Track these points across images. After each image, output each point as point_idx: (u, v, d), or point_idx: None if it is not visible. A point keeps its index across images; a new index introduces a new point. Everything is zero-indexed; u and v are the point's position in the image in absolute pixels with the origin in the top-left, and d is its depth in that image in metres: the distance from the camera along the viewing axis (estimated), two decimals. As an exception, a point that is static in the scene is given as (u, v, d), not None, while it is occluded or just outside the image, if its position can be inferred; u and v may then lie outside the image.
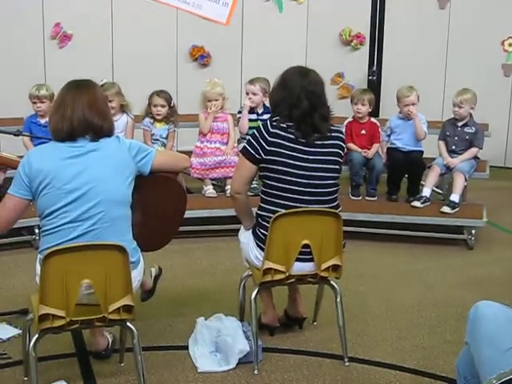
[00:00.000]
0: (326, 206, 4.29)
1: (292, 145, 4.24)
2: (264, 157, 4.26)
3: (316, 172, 4.26)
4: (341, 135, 4.42)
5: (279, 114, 4.32)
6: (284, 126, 4.26)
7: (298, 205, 4.24)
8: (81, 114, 3.81)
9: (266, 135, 4.26)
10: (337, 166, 4.34)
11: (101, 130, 3.87)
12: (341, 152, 4.37)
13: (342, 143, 4.39)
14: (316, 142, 4.27)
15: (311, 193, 4.26)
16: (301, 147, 4.24)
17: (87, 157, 3.80)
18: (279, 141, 4.24)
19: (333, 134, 4.35)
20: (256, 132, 4.33)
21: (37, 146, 4.04)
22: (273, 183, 4.29)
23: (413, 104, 6.81)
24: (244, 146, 4.40)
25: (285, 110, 4.29)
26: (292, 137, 4.24)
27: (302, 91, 4.26)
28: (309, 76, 4.35)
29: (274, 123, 4.29)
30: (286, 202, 4.25)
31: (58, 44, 8.55)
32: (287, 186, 4.25)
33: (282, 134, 4.25)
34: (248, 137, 4.44)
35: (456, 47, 8.99)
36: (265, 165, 4.28)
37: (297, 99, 4.26)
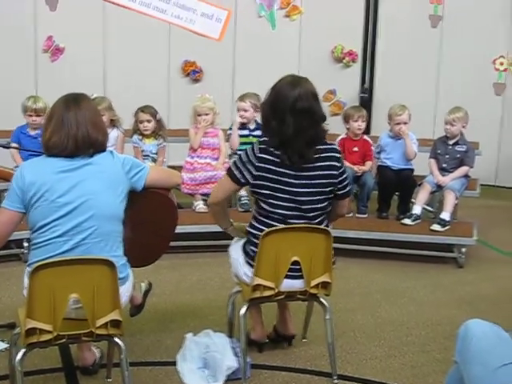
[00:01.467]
0: (316, 227, 4.26)
1: (279, 169, 4.18)
2: (251, 181, 4.23)
3: (302, 196, 4.20)
4: (334, 154, 4.28)
5: (267, 136, 4.25)
6: (271, 150, 4.19)
7: (286, 226, 4.21)
8: (85, 131, 3.79)
9: (254, 161, 4.20)
10: (327, 189, 4.25)
11: (102, 146, 3.87)
12: (334, 173, 4.26)
13: (335, 163, 4.27)
14: (303, 166, 4.20)
15: (298, 216, 4.23)
16: (288, 171, 4.18)
17: (81, 171, 3.78)
18: (267, 166, 4.19)
19: (322, 156, 4.23)
20: (244, 155, 4.25)
21: (30, 160, 4.00)
22: (262, 204, 4.27)
23: (404, 123, 6.82)
24: (230, 168, 4.35)
25: (272, 134, 4.21)
26: (279, 160, 4.18)
27: (290, 114, 4.12)
28: (301, 89, 4.18)
29: (262, 146, 4.22)
30: (275, 223, 4.22)
31: (50, 57, 8.55)
32: (274, 210, 4.23)
33: (270, 158, 4.19)
34: (237, 155, 4.39)
35: (447, 66, 9.03)
36: (253, 188, 4.26)
37: (285, 124, 4.12)
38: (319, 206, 4.28)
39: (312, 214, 4.26)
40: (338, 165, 4.29)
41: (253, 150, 4.24)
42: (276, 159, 4.19)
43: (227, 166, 6.47)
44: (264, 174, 4.20)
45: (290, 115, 4.13)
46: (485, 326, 3.27)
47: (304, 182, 4.21)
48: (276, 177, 4.19)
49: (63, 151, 3.78)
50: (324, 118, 4.29)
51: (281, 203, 4.21)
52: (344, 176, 4.34)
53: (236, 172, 4.28)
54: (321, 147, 4.26)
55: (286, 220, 4.22)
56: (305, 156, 4.18)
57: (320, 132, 4.27)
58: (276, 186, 4.19)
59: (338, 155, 4.32)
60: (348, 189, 4.41)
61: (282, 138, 4.16)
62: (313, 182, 4.22)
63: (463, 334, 3.28)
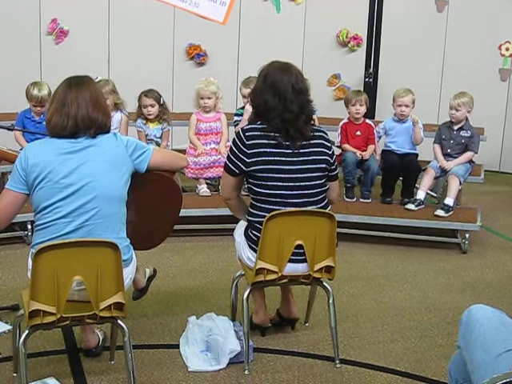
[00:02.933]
0: (315, 206, 4.27)
1: (274, 150, 4.20)
2: (246, 168, 4.24)
3: (301, 173, 4.23)
4: (323, 134, 4.36)
5: (271, 119, 4.22)
6: (260, 133, 4.21)
7: (287, 208, 4.20)
8: (85, 111, 3.80)
9: (245, 149, 4.21)
10: (322, 165, 4.29)
11: (104, 127, 3.88)
12: (326, 151, 4.31)
13: (326, 142, 4.34)
14: (299, 144, 4.23)
15: (298, 195, 4.24)
16: (283, 150, 4.21)
17: (84, 152, 3.79)
18: (259, 150, 4.20)
19: (315, 134, 4.31)
20: (233, 146, 4.27)
21: (34, 141, 4.01)
22: (259, 190, 4.26)
23: (406, 106, 6.81)
24: (225, 163, 4.37)
25: (277, 116, 4.20)
26: (274, 142, 4.20)
27: (292, 93, 4.19)
28: (294, 73, 4.26)
29: (248, 133, 4.23)
30: (274, 207, 4.21)
31: (55, 40, 8.53)
32: (273, 192, 4.22)
33: (261, 141, 4.21)
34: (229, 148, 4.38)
35: (453, 51, 9.00)
36: (250, 173, 4.26)
37: (290, 102, 4.19)
38: (318, 182, 4.29)
39: (312, 191, 4.27)
40: (329, 144, 4.37)
41: (240, 139, 4.25)
42: (270, 141, 4.20)
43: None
44: (259, 159, 4.20)
45: (292, 95, 4.19)
46: (488, 312, 3.27)
47: (301, 159, 4.23)
48: (272, 158, 4.20)
49: (63, 131, 3.79)
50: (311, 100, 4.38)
51: (280, 183, 4.21)
52: (334, 156, 4.41)
53: (230, 165, 4.30)
54: (314, 128, 4.35)
55: (287, 200, 4.22)
56: (304, 133, 4.23)
57: (312, 111, 4.35)
58: (273, 167, 4.20)
59: (327, 136, 4.40)
60: (337, 171, 4.48)
61: (286, 117, 4.18)
62: (309, 158, 4.25)
63: (466, 319, 3.28)
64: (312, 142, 4.28)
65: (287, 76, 4.23)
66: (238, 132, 4.31)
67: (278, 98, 4.20)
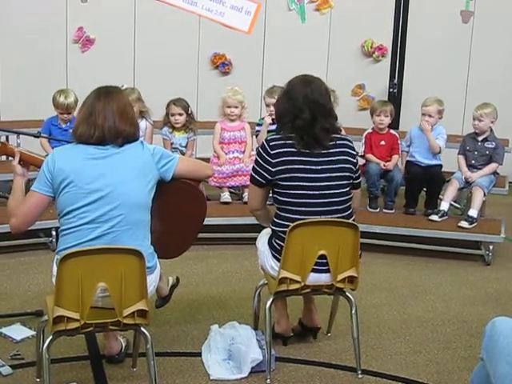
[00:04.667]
0: (340, 215, 4.28)
1: (297, 158, 4.23)
2: (271, 178, 4.27)
3: (325, 182, 4.25)
4: (348, 143, 4.38)
5: (283, 125, 4.32)
6: (283, 142, 4.26)
7: (312, 217, 4.21)
8: (112, 122, 3.84)
9: (269, 158, 4.25)
10: (347, 174, 4.32)
11: (132, 137, 3.92)
12: (351, 159, 4.34)
13: (350, 150, 4.36)
14: (321, 152, 4.26)
15: (324, 203, 4.25)
16: (307, 159, 4.24)
17: (110, 159, 3.82)
18: (284, 158, 4.23)
19: (338, 143, 4.32)
20: (258, 158, 4.33)
21: (62, 146, 4.05)
22: (285, 199, 4.28)
23: (429, 116, 6.79)
24: (251, 174, 4.42)
25: (288, 122, 4.28)
26: (295, 150, 4.24)
27: (304, 101, 4.25)
28: (312, 85, 4.32)
29: (272, 143, 4.28)
30: (300, 216, 4.22)
31: (81, 48, 8.58)
32: (299, 200, 4.24)
33: (285, 150, 4.25)
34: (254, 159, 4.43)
35: (478, 62, 8.97)
36: (275, 182, 4.28)
37: (299, 110, 4.25)
38: (342, 190, 4.30)
39: (336, 200, 4.28)
40: (354, 152, 4.39)
41: (265, 150, 4.29)
42: (291, 149, 4.24)
43: (253, 159, 6.53)
44: (283, 167, 4.23)
45: (305, 105, 4.24)
46: (512, 324, 3.26)
47: (324, 167, 4.25)
48: (296, 166, 4.22)
49: (89, 140, 3.83)
50: (335, 117, 4.42)
51: (304, 192, 4.23)
52: (358, 165, 4.43)
53: (256, 176, 4.34)
54: (336, 136, 4.36)
55: (311, 209, 4.23)
56: (321, 141, 4.25)
57: (334, 124, 4.38)
58: (298, 175, 4.22)
59: (352, 144, 4.42)
60: (360, 179, 4.51)
61: (298, 125, 4.23)
62: (332, 166, 4.26)
63: (490, 331, 3.27)
64: (335, 150, 4.29)
65: (304, 87, 4.31)
66: (263, 143, 4.36)
67: (289, 104, 4.29)
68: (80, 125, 3.88)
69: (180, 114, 6.85)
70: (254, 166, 4.38)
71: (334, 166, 4.27)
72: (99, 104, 3.88)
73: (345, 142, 4.37)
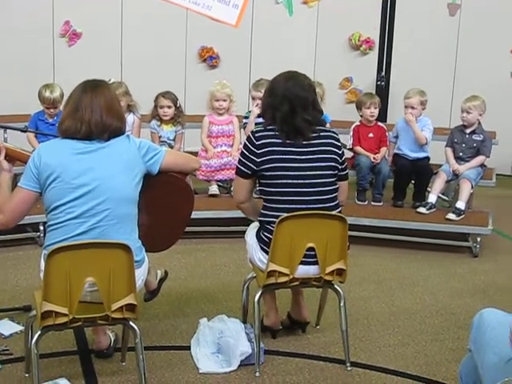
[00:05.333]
0: (326, 205, 4.30)
1: (282, 148, 4.27)
2: (257, 169, 4.29)
3: (309, 171, 4.27)
4: (333, 134, 4.42)
5: (267, 119, 4.39)
6: (268, 133, 4.31)
7: (299, 206, 4.24)
8: (99, 117, 3.82)
9: (255, 149, 4.29)
10: (332, 164, 4.34)
11: (118, 132, 3.90)
12: (336, 150, 4.37)
13: (335, 142, 4.39)
14: (305, 143, 4.30)
15: (310, 193, 4.27)
16: (291, 149, 4.28)
17: (97, 154, 3.81)
18: (269, 149, 4.27)
19: (322, 134, 4.36)
20: (244, 149, 4.38)
21: (48, 141, 4.04)
22: (271, 189, 4.30)
23: (412, 107, 6.80)
24: (237, 166, 4.45)
25: (270, 115, 4.35)
26: (280, 141, 4.28)
27: (283, 94, 4.30)
28: (294, 79, 4.38)
29: (257, 134, 4.33)
30: (287, 206, 4.24)
31: (68, 42, 8.55)
32: (285, 190, 4.26)
33: (270, 141, 4.29)
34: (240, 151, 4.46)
35: (465, 54, 8.99)
36: (261, 173, 4.31)
37: (279, 102, 4.30)
38: (327, 180, 4.32)
39: (321, 189, 4.30)
40: (339, 144, 4.42)
41: (250, 141, 4.34)
42: (276, 140, 4.29)
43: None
44: (268, 157, 4.26)
45: (284, 98, 4.30)
46: (500, 315, 3.27)
47: (307, 157, 4.28)
48: (280, 156, 4.26)
49: (76, 134, 3.82)
50: (320, 111, 4.48)
51: (289, 181, 4.25)
52: (344, 157, 4.45)
53: (241, 167, 4.37)
54: (320, 128, 4.40)
55: (297, 198, 4.25)
56: (302, 132, 4.29)
57: (317, 116, 4.43)
58: (283, 165, 4.25)
59: (337, 136, 4.45)
60: (347, 171, 4.52)
61: (278, 117, 4.29)
62: (315, 157, 4.30)
63: (478, 322, 3.29)
64: (319, 141, 4.33)
65: (286, 82, 4.37)
66: (249, 135, 4.40)
67: (271, 98, 4.36)
68: (66, 119, 3.86)
69: (169, 107, 6.84)
70: (239, 158, 4.41)
71: (318, 157, 4.29)
72: (86, 98, 3.85)
73: (329, 133, 4.41)
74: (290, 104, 4.28)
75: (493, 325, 3.19)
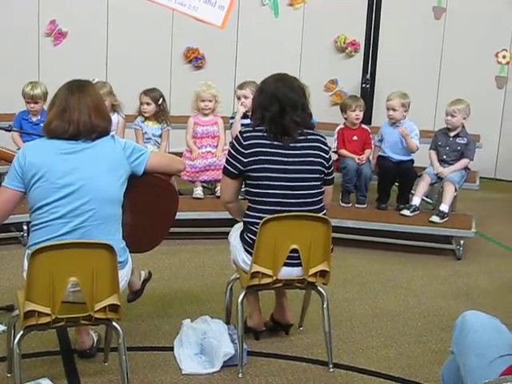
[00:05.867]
0: (311, 208, 4.31)
1: (269, 149, 4.28)
2: (244, 168, 4.30)
3: (295, 174, 4.28)
4: (321, 138, 4.43)
5: (256, 118, 4.39)
6: (256, 133, 4.32)
7: (283, 208, 4.24)
8: (87, 117, 3.82)
9: (242, 149, 4.30)
10: (318, 168, 4.35)
11: (105, 132, 3.90)
12: (323, 154, 4.37)
13: (322, 146, 4.40)
14: (292, 145, 4.31)
15: (294, 195, 4.28)
16: (278, 150, 4.28)
17: (82, 154, 3.80)
18: (256, 149, 4.28)
19: (310, 137, 4.37)
20: (231, 149, 4.39)
21: (33, 140, 4.04)
22: (257, 190, 4.31)
23: (393, 109, 6.83)
24: (224, 166, 4.45)
25: (259, 114, 4.35)
26: (267, 142, 4.29)
27: (273, 94, 4.31)
28: (284, 81, 4.40)
29: (245, 134, 4.33)
30: (271, 207, 4.25)
31: (53, 41, 8.54)
32: (270, 191, 4.27)
33: (257, 141, 4.30)
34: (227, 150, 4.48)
35: (450, 57, 9.03)
36: (247, 174, 4.31)
37: (269, 102, 4.31)
38: (313, 183, 4.33)
39: (307, 192, 4.31)
40: (326, 148, 4.43)
41: (238, 141, 4.34)
42: (264, 141, 4.29)
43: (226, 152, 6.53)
44: (255, 158, 4.27)
45: (274, 98, 4.31)
46: (482, 318, 3.28)
47: (294, 159, 4.29)
48: (267, 157, 4.26)
49: (64, 134, 3.81)
50: (309, 113, 4.48)
51: (275, 183, 4.26)
52: (331, 160, 4.47)
53: (228, 167, 4.38)
54: (309, 131, 4.40)
55: (282, 200, 4.26)
56: (289, 132, 4.30)
57: (306, 118, 4.43)
58: (269, 166, 4.25)
59: (324, 140, 4.46)
60: (333, 175, 4.54)
61: (267, 116, 4.30)
62: (302, 159, 4.30)
63: (460, 324, 3.30)
64: (306, 144, 4.34)
65: (276, 82, 4.39)
66: (237, 135, 4.41)
67: (261, 98, 4.37)
68: (54, 120, 3.84)
69: (148, 104, 6.82)
70: (227, 158, 4.42)
71: (305, 160, 4.30)
72: (73, 99, 3.85)
73: (317, 137, 4.41)
74: (279, 104, 4.29)
75: (475, 327, 3.20)
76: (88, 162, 3.79)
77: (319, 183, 4.37)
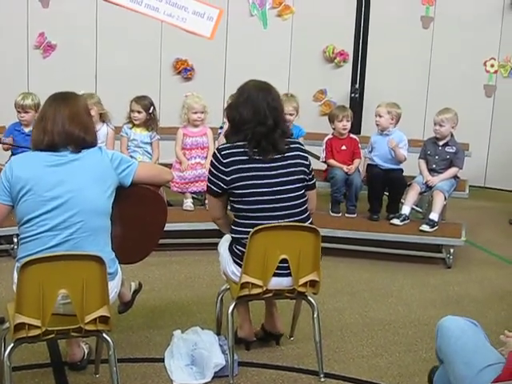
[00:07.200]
0: (298, 218, 4.32)
1: (251, 165, 4.27)
2: (227, 187, 4.29)
3: (280, 186, 4.28)
4: (299, 146, 4.45)
5: (243, 131, 4.30)
6: (235, 150, 4.29)
7: (270, 222, 4.24)
8: (61, 127, 3.83)
9: (223, 168, 4.28)
10: (302, 176, 4.36)
11: (83, 142, 3.88)
12: (303, 162, 4.39)
13: (302, 153, 4.42)
14: (275, 157, 4.31)
15: (281, 208, 4.28)
16: (260, 165, 4.28)
17: (69, 166, 3.81)
18: (237, 166, 4.26)
19: (291, 146, 4.38)
20: (212, 168, 4.35)
21: (20, 154, 4.05)
22: (241, 206, 4.31)
23: (379, 116, 6.86)
24: (207, 185, 4.44)
25: (250, 128, 4.28)
26: (247, 158, 4.27)
27: (267, 108, 4.29)
28: (271, 92, 4.39)
29: (224, 152, 4.30)
30: (256, 221, 4.24)
31: (42, 54, 8.53)
32: (255, 207, 4.27)
33: (237, 158, 4.28)
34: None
35: (438, 66, 9.06)
36: (231, 191, 4.31)
37: (264, 117, 4.27)
38: (297, 193, 4.34)
39: (293, 203, 4.32)
40: (305, 155, 4.46)
41: (217, 159, 4.31)
42: (243, 157, 4.28)
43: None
44: (238, 175, 4.26)
45: (267, 110, 4.28)
46: (461, 323, 3.30)
47: (279, 171, 4.30)
48: (250, 174, 4.26)
49: (39, 145, 3.83)
50: (286, 121, 4.63)
51: (260, 198, 4.26)
52: (311, 166, 4.48)
53: (212, 186, 4.37)
54: (289, 140, 4.42)
55: (268, 214, 4.26)
56: (277, 146, 4.31)
57: (288, 127, 4.52)
58: (253, 182, 4.25)
59: (303, 146, 4.50)
60: (314, 180, 4.54)
61: (260, 131, 4.26)
62: (287, 170, 4.32)
63: (440, 332, 3.32)
64: (289, 154, 4.35)
65: (263, 93, 4.36)
66: (214, 152, 4.37)
67: (253, 111, 4.30)
68: (33, 130, 3.96)
69: (139, 112, 6.82)
70: (208, 177, 4.40)
71: (289, 170, 4.32)
72: (50, 109, 3.89)
73: (296, 145, 4.44)
74: (273, 118, 4.30)
75: (457, 334, 3.22)
76: (75, 174, 3.79)
77: (303, 191, 4.38)
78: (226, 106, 6.96)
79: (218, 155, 4.31)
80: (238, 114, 4.37)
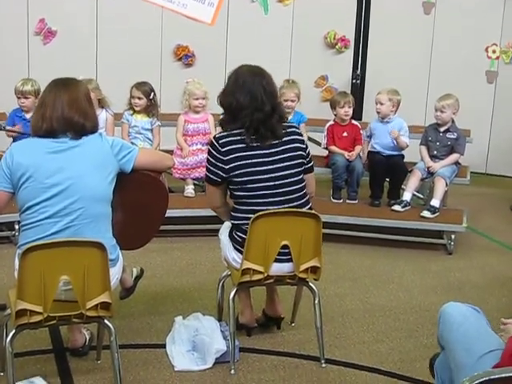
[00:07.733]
0: (299, 203, 4.32)
1: (249, 153, 4.26)
2: (226, 175, 4.28)
3: (281, 172, 4.28)
4: (296, 129, 4.45)
5: (240, 118, 4.28)
6: (232, 138, 4.27)
7: (269, 207, 4.24)
8: (60, 113, 3.82)
9: (221, 156, 4.27)
10: (300, 160, 4.36)
11: (82, 129, 3.88)
12: (301, 145, 4.39)
13: (299, 136, 4.42)
14: (272, 143, 4.29)
15: (281, 193, 4.28)
16: (258, 152, 4.27)
17: (69, 153, 3.81)
18: (236, 154, 4.25)
19: (288, 131, 4.37)
20: (210, 157, 4.34)
21: (20, 140, 4.05)
22: (240, 193, 4.31)
23: (380, 103, 6.85)
24: (206, 175, 4.43)
25: (247, 115, 4.26)
26: (244, 145, 4.26)
27: (264, 93, 4.27)
28: (265, 77, 4.36)
29: (221, 140, 4.28)
30: (257, 207, 4.24)
31: (42, 40, 8.51)
32: (255, 193, 4.27)
33: (235, 146, 4.26)
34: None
35: (440, 53, 9.03)
36: (231, 179, 4.30)
37: (261, 103, 4.26)
38: (297, 178, 4.34)
39: (292, 188, 4.32)
40: (302, 138, 4.45)
41: (215, 148, 4.30)
42: (241, 145, 4.26)
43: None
44: (237, 164, 4.25)
45: (265, 97, 4.27)
46: (463, 309, 3.30)
47: (278, 157, 4.29)
48: (249, 161, 4.25)
49: (38, 131, 3.83)
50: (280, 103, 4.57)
51: (260, 184, 4.25)
52: (308, 149, 4.46)
53: (211, 175, 4.36)
54: (285, 124, 4.40)
55: (268, 200, 4.26)
56: (276, 132, 4.30)
57: (284, 111, 4.51)
58: (252, 169, 4.25)
59: (298, 129, 4.51)
60: (312, 163, 4.52)
61: (258, 117, 4.24)
62: (285, 155, 4.31)
63: (442, 318, 3.32)
64: (287, 138, 4.34)
65: (258, 78, 4.34)
66: (211, 141, 4.35)
67: (250, 97, 4.28)
68: (33, 116, 3.96)
69: (139, 98, 6.80)
70: (207, 166, 4.39)
71: (288, 155, 4.31)
72: (50, 95, 3.89)
73: (293, 129, 4.44)
74: (270, 103, 4.29)
75: (459, 321, 3.22)
76: (76, 160, 3.80)
77: (301, 176, 4.38)
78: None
79: (216, 144, 4.29)
80: (234, 99, 4.32)
